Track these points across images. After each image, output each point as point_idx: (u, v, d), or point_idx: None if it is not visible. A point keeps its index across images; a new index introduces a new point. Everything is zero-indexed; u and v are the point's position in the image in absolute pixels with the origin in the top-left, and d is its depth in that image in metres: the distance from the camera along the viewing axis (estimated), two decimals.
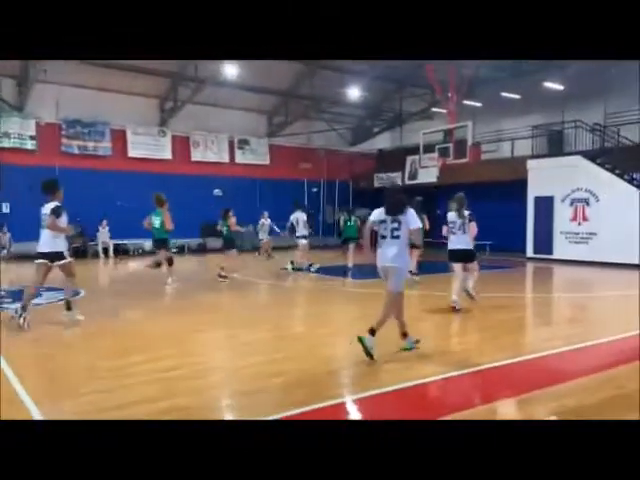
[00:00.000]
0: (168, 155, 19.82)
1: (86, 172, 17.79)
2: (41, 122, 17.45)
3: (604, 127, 15.57)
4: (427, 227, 10.09)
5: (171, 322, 6.81)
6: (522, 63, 17.71)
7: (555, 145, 16.97)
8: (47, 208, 6.25)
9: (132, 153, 19.09)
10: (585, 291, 10.68)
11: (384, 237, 5.00)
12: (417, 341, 5.12)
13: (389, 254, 4.93)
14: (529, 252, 15.80)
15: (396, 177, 21.40)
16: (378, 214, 5.07)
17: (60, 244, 6.35)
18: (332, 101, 20.61)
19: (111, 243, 17.69)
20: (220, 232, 11.11)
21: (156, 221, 9.75)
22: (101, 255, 17.40)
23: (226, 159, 21.14)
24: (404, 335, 5.09)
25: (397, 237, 4.93)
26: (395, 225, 4.93)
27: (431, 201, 20.53)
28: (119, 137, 18.88)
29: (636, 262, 12.64)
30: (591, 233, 14.46)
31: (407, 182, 20.87)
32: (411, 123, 22.72)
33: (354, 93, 18.66)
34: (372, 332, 4.75)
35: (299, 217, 12.43)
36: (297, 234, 12.47)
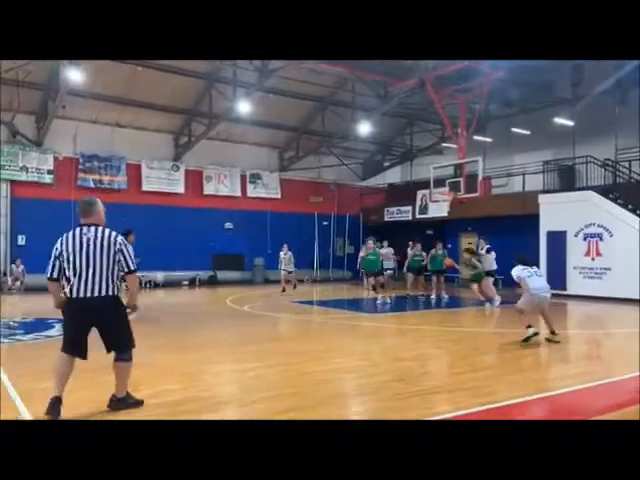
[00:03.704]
0: (181, 189, 20.11)
1: None
2: (59, 157, 17.87)
3: (615, 162, 15.57)
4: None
5: (181, 355, 6.76)
6: (531, 100, 17.94)
7: (566, 180, 16.96)
8: None
9: (146, 187, 19.40)
10: (600, 328, 10.47)
11: (530, 276, 7.39)
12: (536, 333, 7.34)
13: (546, 287, 7.60)
14: None
15: (407, 211, 21.46)
16: (522, 268, 7.48)
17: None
18: (343, 136, 20.91)
19: None
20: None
21: (372, 257, 13.12)
22: None
23: (238, 193, 21.39)
24: (553, 332, 7.52)
25: (541, 275, 7.79)
26: (536, 269, 7.66)
27: (442, 235, 20.56)
28: (134, 171, 19.24)
29: None
30: (605, 268, 14.27)
31: (417, 216, 20.91)
32: (421, 158, 22.90)
33: (365, 128, 18.92)
34: (553, 332, 7.49)
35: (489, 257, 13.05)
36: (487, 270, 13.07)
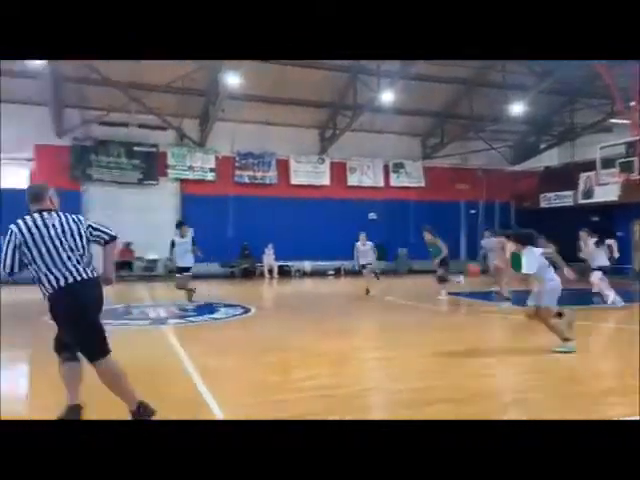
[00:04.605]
0: (326, 181, 20.77)
1: (254, 199, 19.45)
2: (219, 156, 19.62)
3: None
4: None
5: (331, 342, 6.96)
6: None
7: None
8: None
9: (294, 181, 20.42)
10: None
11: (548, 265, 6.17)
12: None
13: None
14: None
15: (567, 196, 19.54)
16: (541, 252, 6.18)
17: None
18: (491, 119, 19.70)
19: (276, 265, 18.95)
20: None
21: (430, 249, 12.20)
22: (266, 276, 18.71)
23: (381, 183, 21.43)
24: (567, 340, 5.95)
25: None
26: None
27: (610, 222, 18.33)
28: (283, 166, 20.36)
29: None
30: None
31: (580, 201, 18.94)
32: (584, 137, 20.68)
33: (516, 109, 17.59)
34: (567, 340, 5.93)
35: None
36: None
